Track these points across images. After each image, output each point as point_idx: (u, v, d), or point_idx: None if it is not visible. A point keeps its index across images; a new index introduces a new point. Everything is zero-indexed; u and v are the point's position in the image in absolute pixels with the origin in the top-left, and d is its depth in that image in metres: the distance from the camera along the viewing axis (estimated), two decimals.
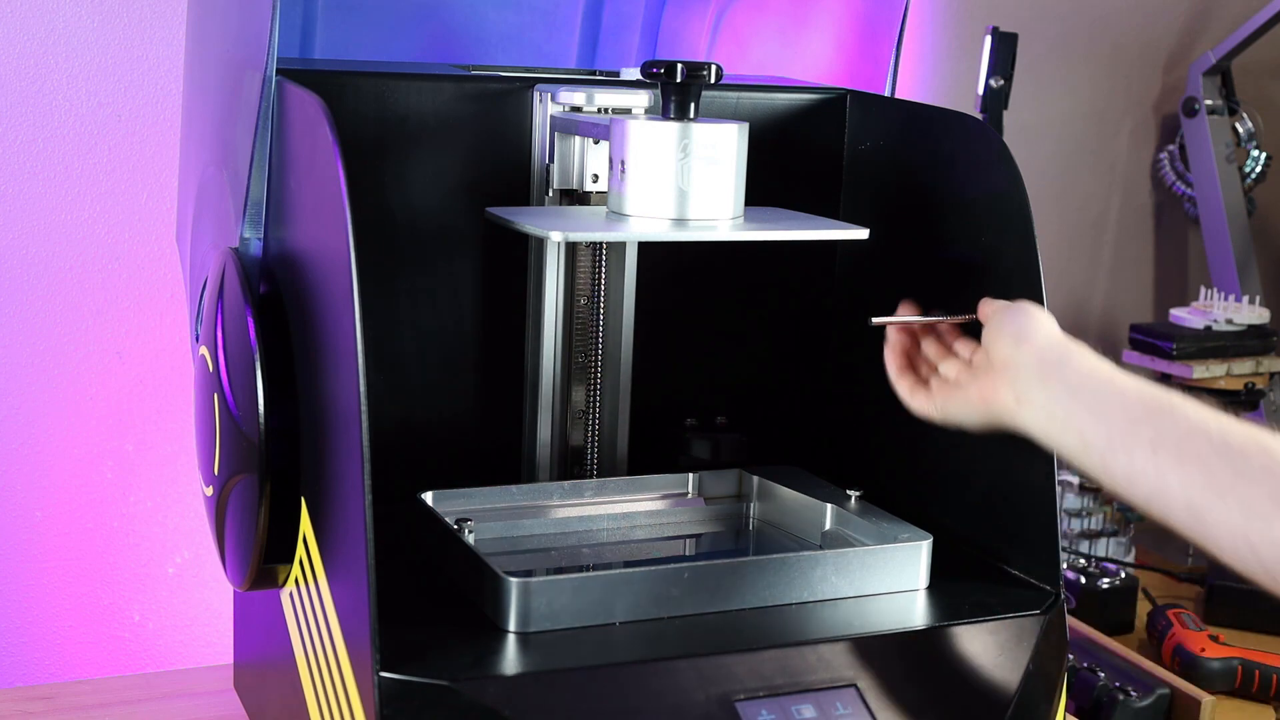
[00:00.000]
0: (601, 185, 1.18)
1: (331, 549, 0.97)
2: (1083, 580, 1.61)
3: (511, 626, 0.98)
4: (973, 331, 1.08)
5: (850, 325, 1.33)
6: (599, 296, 1.24)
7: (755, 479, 1.25)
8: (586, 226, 1.11)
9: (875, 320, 1.12)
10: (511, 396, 1.25)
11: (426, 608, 1.02)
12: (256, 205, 1.07)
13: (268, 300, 1.04)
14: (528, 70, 1.26)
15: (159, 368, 1.51)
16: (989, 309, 1.06)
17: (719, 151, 1.07)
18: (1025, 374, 1.00)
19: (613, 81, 1.25)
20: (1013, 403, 1.00)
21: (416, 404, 1.23)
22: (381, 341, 1.20)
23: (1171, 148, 2.16)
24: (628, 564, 1.16)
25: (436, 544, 1.09)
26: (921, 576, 1.10)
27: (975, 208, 1.16)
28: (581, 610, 0.99)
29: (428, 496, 1.14)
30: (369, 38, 1.34)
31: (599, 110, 1.19)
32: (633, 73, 1.27)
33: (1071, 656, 1.43)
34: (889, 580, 1.08)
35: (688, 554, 1.21)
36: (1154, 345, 1.99)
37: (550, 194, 1.20)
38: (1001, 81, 1.82)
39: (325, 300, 0.96)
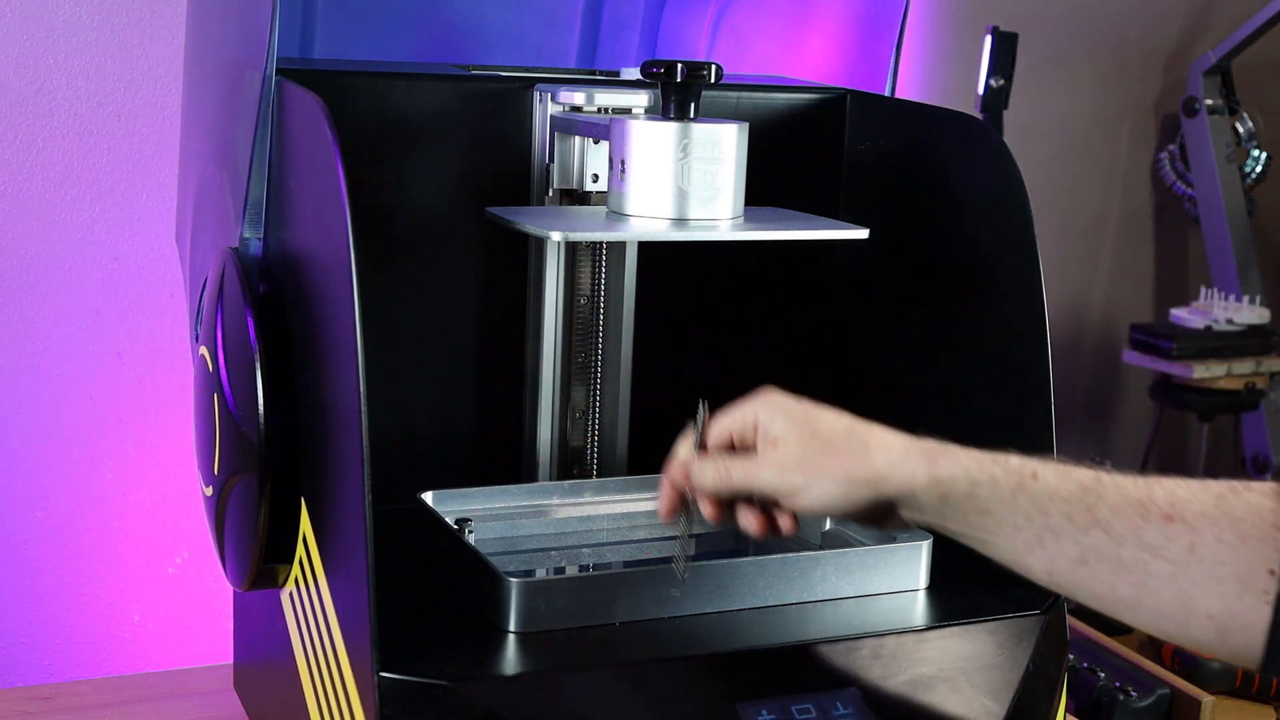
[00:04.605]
0: (601, 185, 1.18)
1: (331, 549, 0.97)
2: None
3: (511, 626, 0.98)
4: None
5: (850, 325, 1.33)
6: (599, 296, 1.24)
7: None
8: (586, 226, 1.11)
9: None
10: (511, 396, 1.25)
11: (426, 608, 1.02)
12: (256, 205, 1.07)
13: (268, 300, 1.04)
14: (528, 70, 1.26)
15: (159, 368, 1.51)
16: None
17: (719, 151, 1.07)
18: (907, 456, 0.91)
19: (613, 81, 1.25)
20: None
21: (416, 404, 1.23)
22: (381, 341, 1.20)
23: (1171, 148, 2.16)
24: (628, 564, 1.16)
25: (436, 544, 1.09)
26: (921, 576, 1.09)
27: (975, 208, 1.16)
28: (581, 610, 0.99)
29: (428, 496, 1.14)
30: (369, 38, 1.34)
31: (599, 110, 1.19)
32: (633, 73, 1.27)
33: (1071, 656, 1.43)
34: (889, 580, 1.08)
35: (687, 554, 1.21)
36: (1154, 345, 1.99)
37: (550, 194, 1.20)
38: (1001, 81, 1.83)
39: (325, 300, 0.95)
